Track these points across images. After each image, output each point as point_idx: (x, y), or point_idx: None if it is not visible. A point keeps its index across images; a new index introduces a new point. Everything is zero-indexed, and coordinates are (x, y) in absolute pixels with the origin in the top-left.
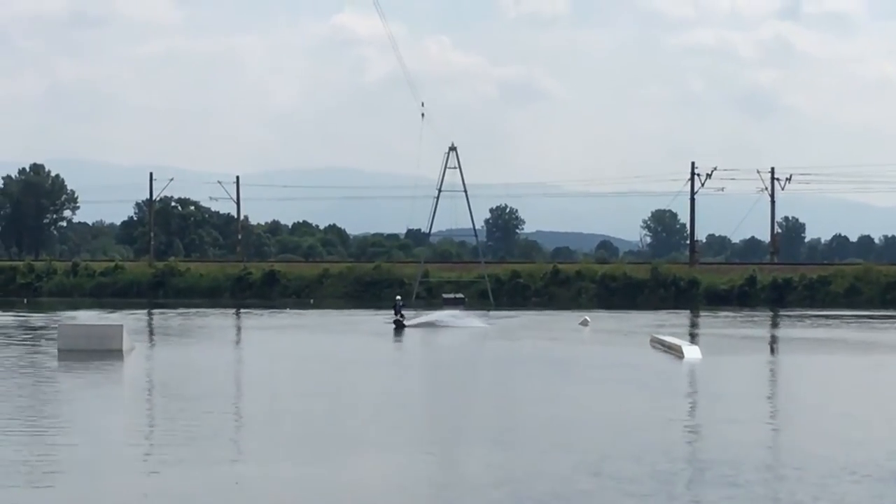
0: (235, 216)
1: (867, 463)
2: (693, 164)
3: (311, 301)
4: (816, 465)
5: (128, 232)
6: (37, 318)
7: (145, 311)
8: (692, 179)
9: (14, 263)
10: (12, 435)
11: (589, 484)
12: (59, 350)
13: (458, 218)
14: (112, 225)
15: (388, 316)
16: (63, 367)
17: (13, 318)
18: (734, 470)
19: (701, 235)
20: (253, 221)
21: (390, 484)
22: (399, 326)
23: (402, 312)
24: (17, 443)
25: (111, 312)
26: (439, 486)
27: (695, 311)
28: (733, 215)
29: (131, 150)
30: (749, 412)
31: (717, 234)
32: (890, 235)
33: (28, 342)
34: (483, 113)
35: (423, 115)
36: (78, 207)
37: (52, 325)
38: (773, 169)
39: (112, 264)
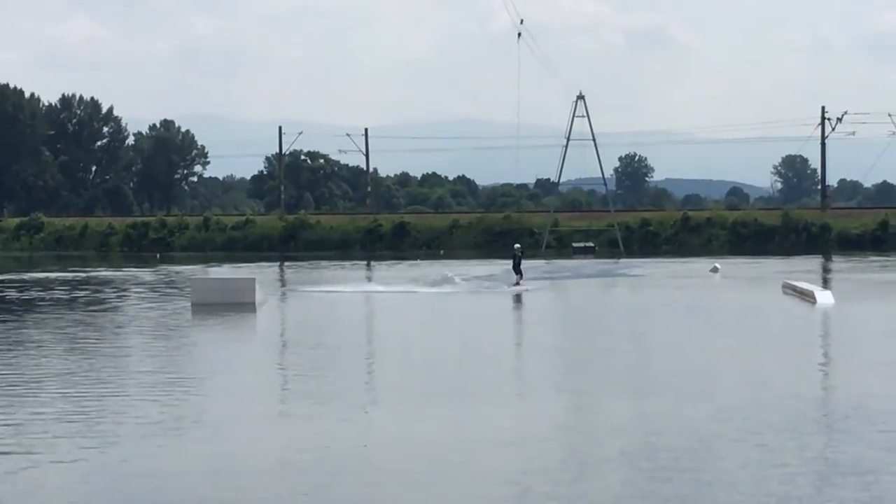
0: (365, 168)
1: None
2: (823, 108)
3: (441, 252)
4: None
5: (258, 186)
6: (169, 273)
7: (277, 264)
8: (822, 124)
9: (146, 219)
10: (147, 389)
11: (719, 434)
12: (193, 304)
13: (587, 167)
14: (242, 179)
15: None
16: (196, 321)
17: (146, 273)
18: (868, 420)
19: (832, 180)
20: (382, 174)
21: (519, 433)
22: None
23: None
24: (150, 397)
25: (242, 266)
26: (566, 433)
27: (827, 256)
28: (865, 159)
29: (260, 105)
30: (884, 358)
31: (848, 179)
32: None
33: (161, 297)
34: (610, 61)
35: (519, 34)
36: (208, 162)
37: (184, 280)
38: None
39: (243, 218)
